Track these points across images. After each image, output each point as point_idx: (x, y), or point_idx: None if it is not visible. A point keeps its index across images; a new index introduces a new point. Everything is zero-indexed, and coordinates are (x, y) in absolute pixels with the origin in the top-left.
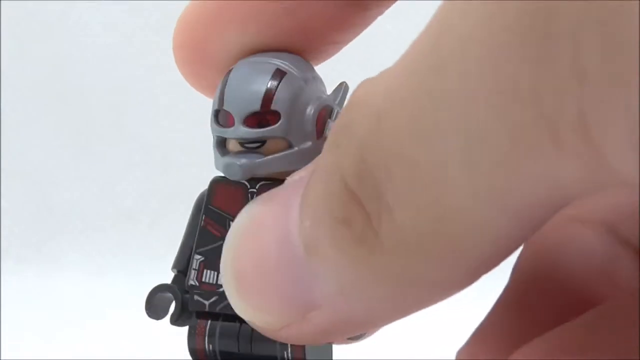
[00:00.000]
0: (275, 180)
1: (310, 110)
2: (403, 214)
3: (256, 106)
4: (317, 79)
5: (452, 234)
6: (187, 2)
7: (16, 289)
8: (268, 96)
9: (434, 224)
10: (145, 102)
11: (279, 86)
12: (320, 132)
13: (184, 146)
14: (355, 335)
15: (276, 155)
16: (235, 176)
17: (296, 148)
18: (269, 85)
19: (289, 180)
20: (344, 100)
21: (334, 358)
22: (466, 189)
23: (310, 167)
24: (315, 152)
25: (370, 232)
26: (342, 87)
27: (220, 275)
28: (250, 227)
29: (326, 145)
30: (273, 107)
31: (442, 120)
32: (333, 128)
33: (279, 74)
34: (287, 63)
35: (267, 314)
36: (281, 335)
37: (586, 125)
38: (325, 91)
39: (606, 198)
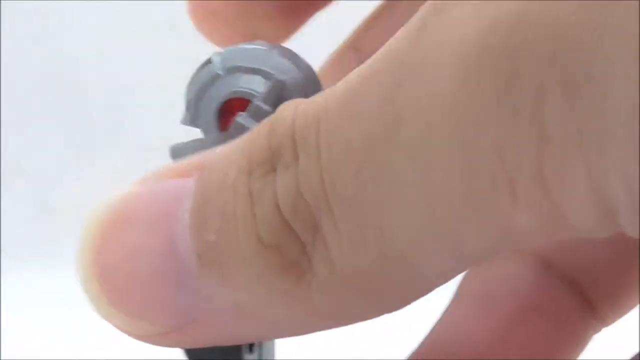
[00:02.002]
0: None
1: (213, 101)
2: (338, 249)
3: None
4: (255, 71)
5: (393, 272)
6: (187, 1)
7: (16, 289)
8: (189, 84)
9: (371, 261)
10: (146, 102)
11: (195, 74)
12: (225, 124)
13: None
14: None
15: (191, 143)
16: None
17: (202, 138)
18: (193, 74)
19: (167, 171)
20: (272, 94)
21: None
22: (414, 233)
23: (184, 167)
24: (219, 144)
25: (303, 261)
26: (271, 81)
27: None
28: (121, 217)
29: (245, 163)
30: (187, 95)
31: (396, 166)
32: (254, 147)
33: (205, 63)
34: (230, 52)
35: (140, 321)
36: (151, 341)
37: (544, 182)
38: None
39: None
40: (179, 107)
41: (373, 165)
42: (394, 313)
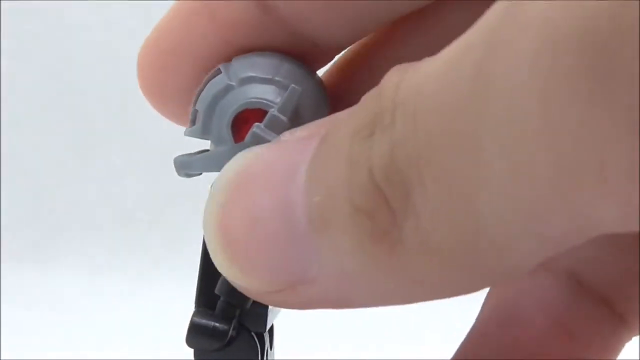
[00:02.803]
0: None
1: (228, 111)
2: (429, 220)
3: (192, 105)
4: (268, 81)
5: (477, 248)
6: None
7: (16, 289)
8: (197, 95)
9: (460, 236)
10: (146, 102)
11: (206, 85)
12: (241, 136)
13: (185, 146)
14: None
15: (199, 156)
16: (176, 172)
17: (212, 150)
18: (202, 84)
19: (289, 138)
20: (289, 104)
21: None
22: (501, 211)
23: (313, 128)
24: (232, 156)
25: (394, 230)
26: (287, 91)
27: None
28: (246, 179)
29: (351, 127)
30: (197, 106)
31: (484, 139)
32: (361, 111)
33: (215, 74)
34: (240, 62)
35: (255, 279)
36: (265, 299)
37: (635, 174)
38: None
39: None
40: None
41: (462, 135)
42: (413, 326)
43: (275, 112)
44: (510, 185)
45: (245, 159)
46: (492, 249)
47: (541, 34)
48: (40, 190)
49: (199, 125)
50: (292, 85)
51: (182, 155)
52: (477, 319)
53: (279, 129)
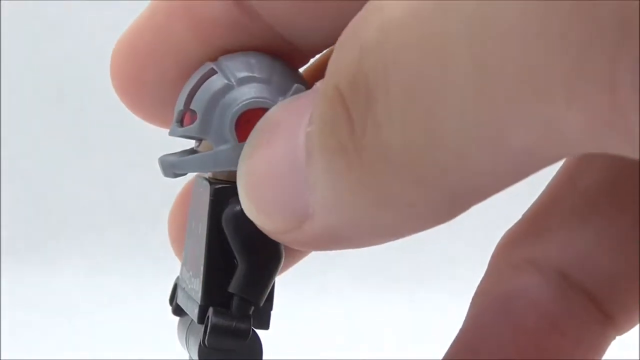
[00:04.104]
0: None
1: (230, 111)
2: (390, 128)
3: (181, 105)
4: (267, 81)
5: (436, 157)
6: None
7: (16, 289)
8: (190, 95)
9: (420, 144)
10: None
11: (202, 85)
12: (242, 135)
13: (185, 146)
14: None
15: (193, 156)
16: (162, 172)
17: (213, 150)
18: (194, 84)
19: (315, 85)
20: None
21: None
22: (464, 115)
23: None
24: (235, 155)
25: (350, 143)
26: (291, 90)
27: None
28: (267, 128)
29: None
30: (192, 105)
31: (453, 43)
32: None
33: (209, 74)
34: (233, 62)
35: (270, 218)
36: (284, 240)
37: (616, 83)
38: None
39: (561, 241)
40: None
41: (431, 37)
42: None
43: None
44: (476, 86)
45: (275, 107)
46: (451, 159)
47: None
48: (40, 190)
49: (197, 124)
50: (296, 84)
51: (168, 156)
52: (467, 319)
53: None
